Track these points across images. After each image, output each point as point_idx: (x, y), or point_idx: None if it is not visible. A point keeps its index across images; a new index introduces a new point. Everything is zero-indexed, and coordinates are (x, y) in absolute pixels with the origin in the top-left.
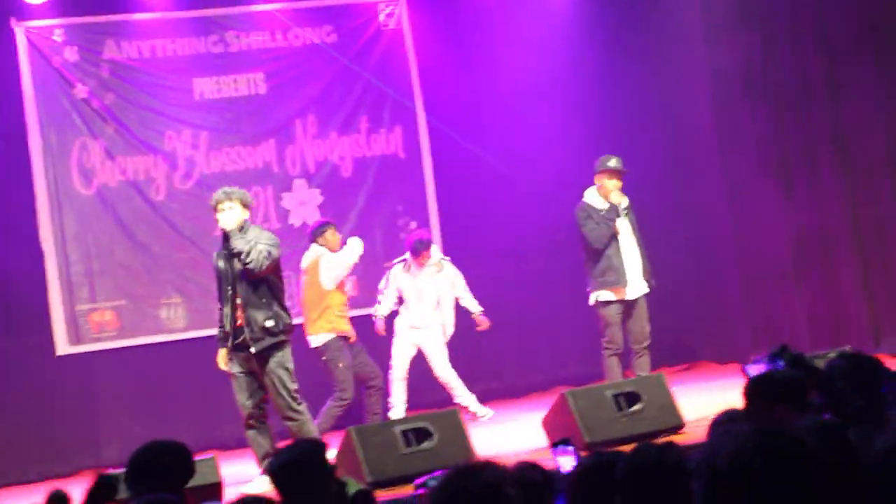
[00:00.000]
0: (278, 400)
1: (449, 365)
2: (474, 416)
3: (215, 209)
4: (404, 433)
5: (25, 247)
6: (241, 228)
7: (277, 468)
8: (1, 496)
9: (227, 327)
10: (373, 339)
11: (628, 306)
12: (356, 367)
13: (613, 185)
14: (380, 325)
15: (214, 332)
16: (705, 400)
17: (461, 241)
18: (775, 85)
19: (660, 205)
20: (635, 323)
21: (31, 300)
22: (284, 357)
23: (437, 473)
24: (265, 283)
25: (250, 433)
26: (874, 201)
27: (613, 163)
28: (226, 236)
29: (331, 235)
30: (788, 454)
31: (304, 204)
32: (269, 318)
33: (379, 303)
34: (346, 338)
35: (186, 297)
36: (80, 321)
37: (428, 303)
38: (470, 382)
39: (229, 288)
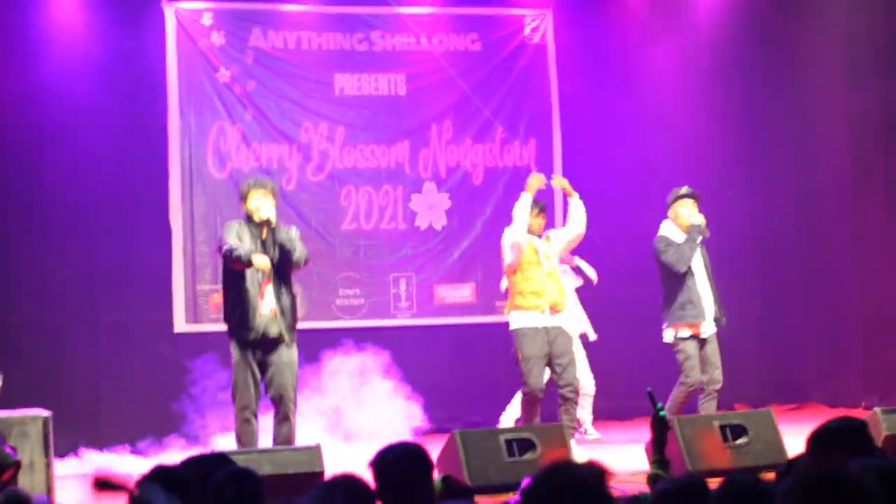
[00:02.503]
0: (291, 394)
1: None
2: (584, 433)
3: (248, 196)
4: (508, 442)
5: (155, 224)
6: None
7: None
8: (110, 460)
9: (252, 318)
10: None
11: (702, 343)
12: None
13: (689, 209)
14: None
15: (331, 324)
16: None
17: (583, 258)
18: None
19: (787, 242)
20: (709, 364)
21: (155, 277)
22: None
23: None
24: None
25: (253, 426)
26: None
27: (685, 190)
28: (261, 225)
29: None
30: (833, 493)
31: (432, 207)
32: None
33: None
34: None
35: (306, 288)
36: (200, 301)
37: None
38: None
39: (261, 277)
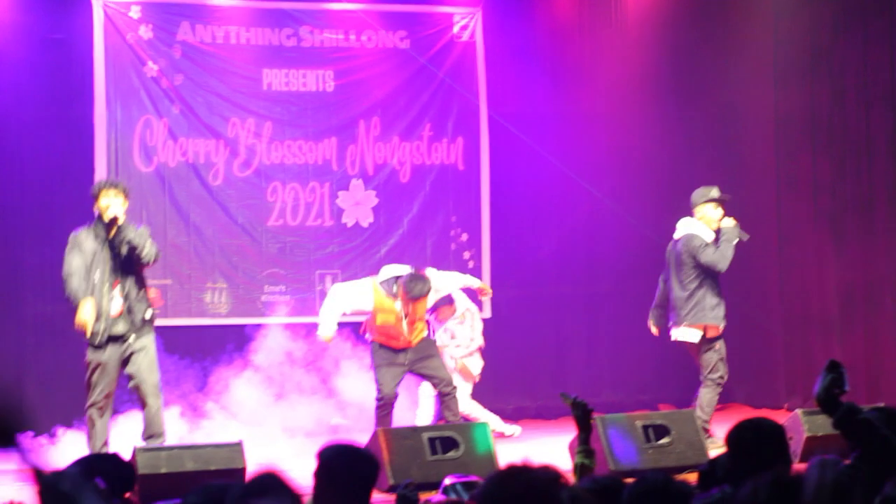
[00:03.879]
0: (151, 378)
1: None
2: (501, 434)
3: (99, 196)
4: (431, 440)
5: (80, 218)
6: None
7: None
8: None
9: (99, 322)
10: None
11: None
12: None
13: (719, 213)
14: None
15: (256, 320)
16: None
17: (510, 258)
18: (839, 136)
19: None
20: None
21: None
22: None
23: (465, 479)
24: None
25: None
26: None
27: (716, 192)
28: (110, 224)
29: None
30: None
31: (358, 204)
32: (148, 309)
33: None
34: None
35: (232, 284)
36: None
37: None
38: (504, 398)
39: (105, 275)
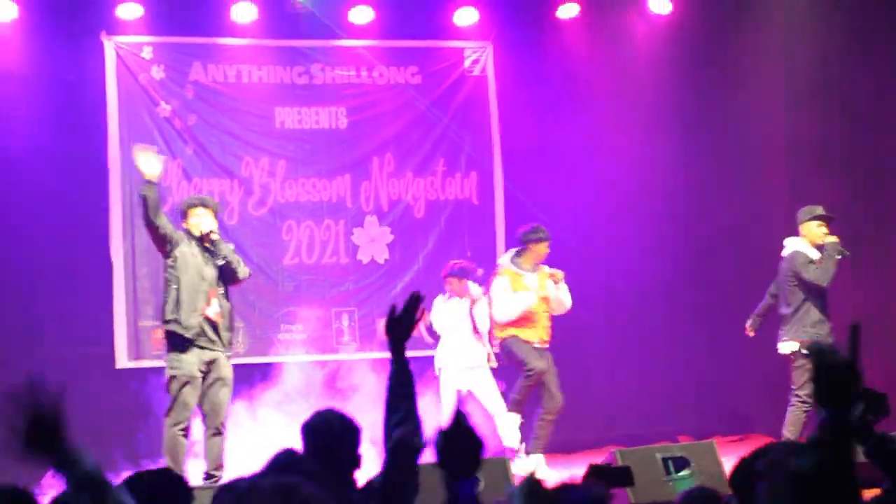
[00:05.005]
0: (225, 410)
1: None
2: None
3: (189, 213)
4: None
5: (96, 259)
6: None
7: None
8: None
9: (203, 328)
10: None
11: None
12: None
13: (823, 230)
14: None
15: (273, 359)
16: None
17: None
18: (852, 163)
19: (727, 263)
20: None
21: (97, 312)
22: None
23: None
24: None
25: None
26: None
27: (821, 210)
28: (202, 239)
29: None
30: None
31: (374, 241)
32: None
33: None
34: None
35: (249, 323)
36: (143, 337)
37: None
38: (523, 431)
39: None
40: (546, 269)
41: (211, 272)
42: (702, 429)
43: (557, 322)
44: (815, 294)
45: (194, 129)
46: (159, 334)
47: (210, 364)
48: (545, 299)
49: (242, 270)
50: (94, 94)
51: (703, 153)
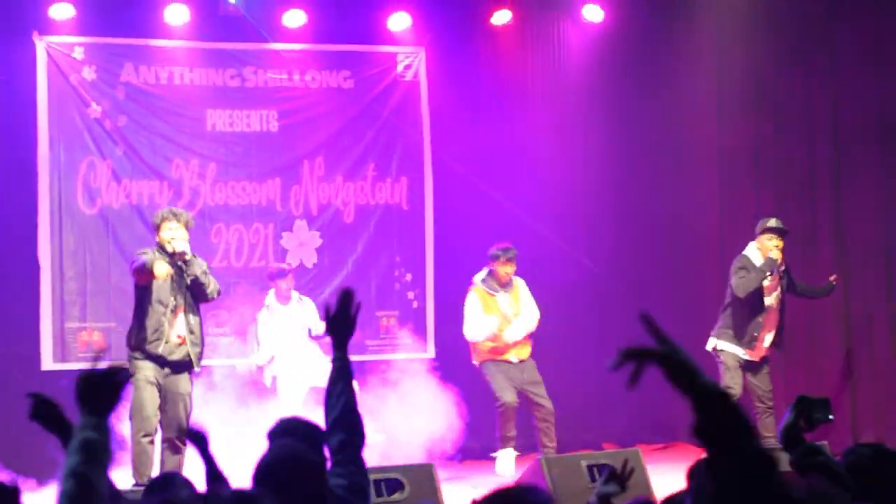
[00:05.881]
0: (184, 422)
1: None
2: None
3: (161, 227)
4: (376, 483)
5: (23, 259)
6: None
7: None
8: None
9: (165, 338)
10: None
11: (751, 365)
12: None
13: (773, 243)
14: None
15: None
16: (678, 481)
17: (454, 298)
18: (782, 170)
19: (656, 278)
20: (759, 382)
21: (23, 312)
22: None
23: None
24: None
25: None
26: (866, 295)
27: (773, 222)
28: (173, 255)
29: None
30: None
31: (302, 245)
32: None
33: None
34: None
35: None
36: (69, 339)
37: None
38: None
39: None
40: (519, 283)
41: (175, 296)
42: (627, 436)
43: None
44: (738, 300)
45: (125, 131)
46: (85, 336)
47: (167, 376)
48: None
49: (212, 290)
50: (25, 93)
51: (635, 159)
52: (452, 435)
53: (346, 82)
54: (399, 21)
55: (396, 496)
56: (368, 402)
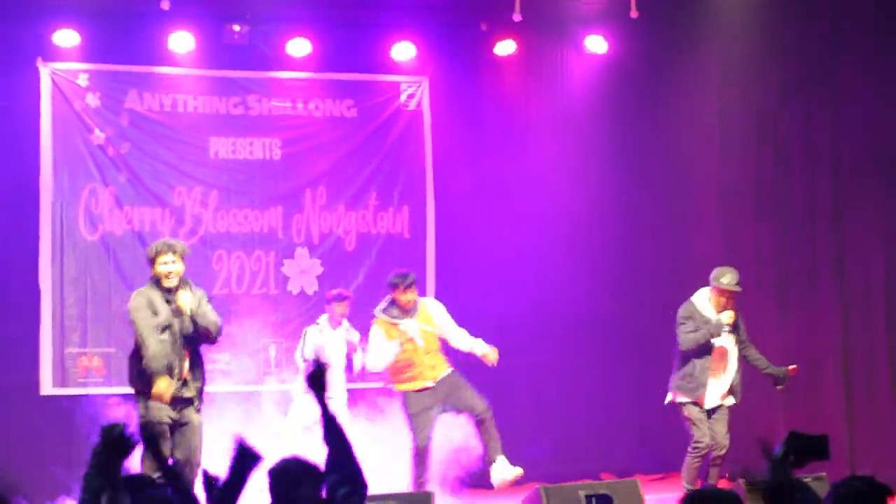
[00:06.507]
0: (198, 457)
1: None
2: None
3: (156, 260)
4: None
5: (24, 284)
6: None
7: None
8: None
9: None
10: None
11: (707, 413)
12: None
13: (721, 304)
14: None
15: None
16: None
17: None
18: (783, 205)
19: (656, 303)
20: (714, 430)
21: (23, 337)
22: None
23: None
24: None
25: None
26: (867, 331)
27: (726, 279)
28: (171, 291)
29: None
30: None
31: (303, 273)
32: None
33: None
34: None
35: None
36: (68, 364)
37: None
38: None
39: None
40: (427, 304)
41: (174, 336)
42: (624, 467)
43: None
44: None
45: (128, 157)
46: (85, 361)
47: (180, 413)
48: (424, 340)
49: (214, 333)
50: (28, 119)
51: (636, 191)
52: (456, 462)
53: (349, 111)
54: (403, 51)
55: None
56: (371, 429)
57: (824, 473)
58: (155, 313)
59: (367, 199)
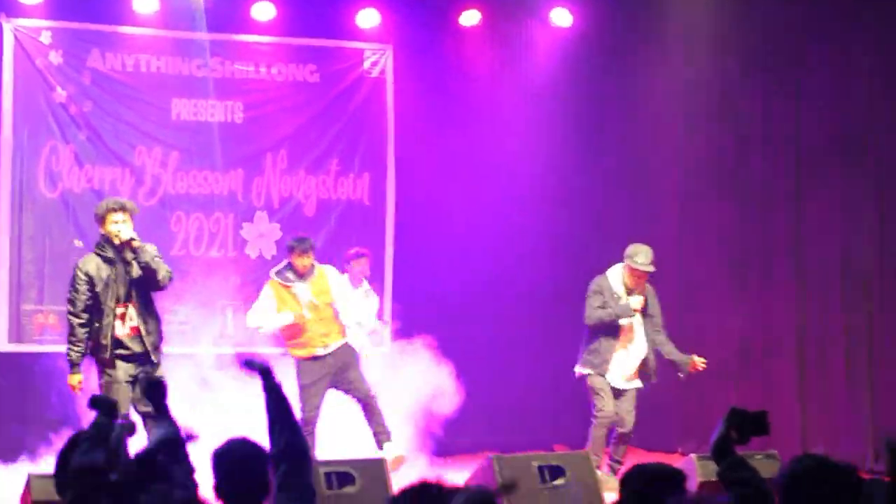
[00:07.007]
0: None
1: None
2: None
3: (106, 219)
4: (328, 475)
5: None
6: None
7: None
8: None
9: (107, 338)
10: None
11: (615, 392)
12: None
13: (632, 282)
14: None
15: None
16: None
17: (412, 297)
18: (743, 184)
19: None
20: (620, 408)
21: None
22: None
23: None
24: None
25: None
26: (822, 312)
27: (640, 259)
28: (121, 246)
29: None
30: None
31: (262, 236)
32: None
33: None
34: None
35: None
36: (24, 321)
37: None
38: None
39: (117, 297)
40: (328, 273)
41: (122, 289)
42: (578, 439)
43: (445, 326)
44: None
45: (89, 116)
46: (40, 319)
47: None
48: (315, 307)
49: (163, 275)
50: None
51: (598, 164)
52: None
53: (312, 76)
54: (368, 18)
55: (347, 489)
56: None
57: (775, 451)
58: (92, 286)
59: (328, 165)
